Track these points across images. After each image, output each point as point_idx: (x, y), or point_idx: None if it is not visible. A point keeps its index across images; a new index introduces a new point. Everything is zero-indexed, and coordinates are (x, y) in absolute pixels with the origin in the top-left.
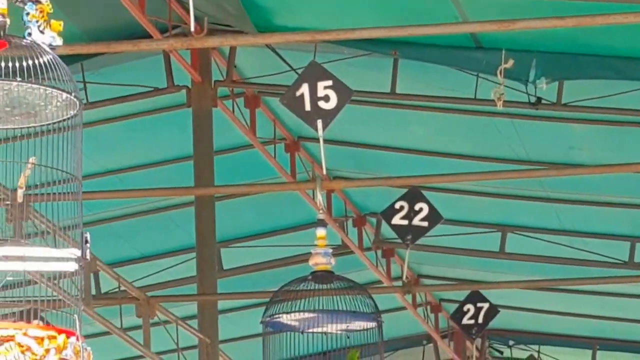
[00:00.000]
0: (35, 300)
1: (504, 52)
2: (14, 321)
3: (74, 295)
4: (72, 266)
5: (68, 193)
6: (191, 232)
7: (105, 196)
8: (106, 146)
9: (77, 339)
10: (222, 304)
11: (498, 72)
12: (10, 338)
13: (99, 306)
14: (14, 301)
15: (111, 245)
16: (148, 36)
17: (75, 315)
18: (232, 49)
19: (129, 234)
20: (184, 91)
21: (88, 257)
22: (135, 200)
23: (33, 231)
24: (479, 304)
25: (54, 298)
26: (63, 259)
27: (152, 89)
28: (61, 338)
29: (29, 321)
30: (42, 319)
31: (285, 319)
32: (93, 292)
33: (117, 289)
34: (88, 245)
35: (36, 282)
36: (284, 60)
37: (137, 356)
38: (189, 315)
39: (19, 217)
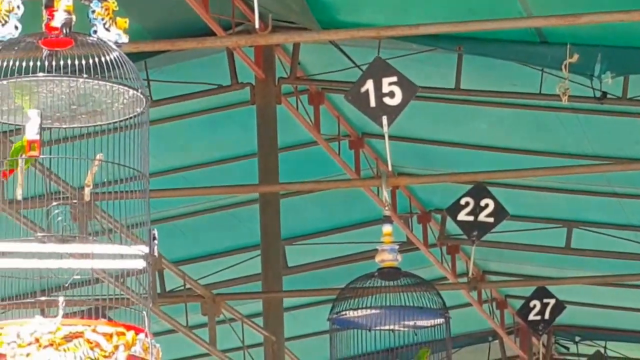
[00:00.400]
0: (103, 299)
1: (568, 46)
2: (82, 318)
3: (141, 293)
4: (140, 263)
5: (135, 191)
6: (256, 230)
7: (170, 194)
8: (171, 144)
9: (146, 336)
10: (287, 302)
11: (563, 66)
12: (79, 334)
13: (164, 304)
14: (81, 299)
15: (176, 243)
16: (211, 33)
17: (144, 312)
18: (296, 46)
19: (193, 231)
20: (247, 88)
21: (156, 253)
22: (200, 198)
23: (99, 229)
24: (545, 300)
25: (122, 296)
26: (131, 257)
27: (216, 86)
28: (130, 334)
29: (96, 319)
30: (108, 318)
31: (352, 316)
32: (158, 290)
33: (182, 287)
34: (156, 242)
35: (103, 280)
36: (348, 57)
37: (202, 354)
38: (254, 313)
39: (86, 216)
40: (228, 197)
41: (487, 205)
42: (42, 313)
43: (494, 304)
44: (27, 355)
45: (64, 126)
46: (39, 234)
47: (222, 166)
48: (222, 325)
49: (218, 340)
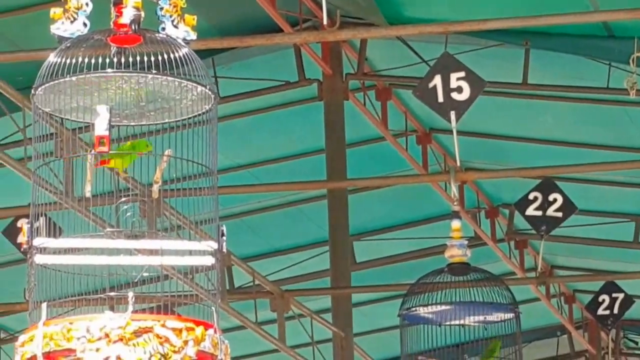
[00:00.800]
0: (172, 295)
1: (636, 40)
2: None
3: (210, 290)
4: (209, 260)
5: (203, 187)
6: (324, 226)
7: (237, 191)
8: (238, 141)
9: (215, 332)
10: (355, 297)
11: (630, 60)
12: (149, 329)
13: (233, 300)
14: (150, 295)
15: (245, 240)
16: (277, 30)
17: (213, 308)
18: (363, 42)
19: (262, 228)
20: (315, 85)
21: (225, 250)
22: (267, 195)
23: (167, 226)
24: (614, 295)
25: (191, 293)
26: (199, 253)
27: (283, 82)
28: (199, 330)
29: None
30: (177, 314)
31: (422, 311)
32: (227, 286)
33: (251, 283)
34: (224, 238)
35: (172, 277)
36: (415, 52)
37: (271, 350)
38: (323, 309)
39: (155, 212)
40: (296, 193)
41: (555, 200)
42: (112, 309)
43: (562, 298)
44: (97, 350)
45: (133, 123)
46: (108, 230)
47: (290, 162)
48: (290, 321)
49: (287, 336)
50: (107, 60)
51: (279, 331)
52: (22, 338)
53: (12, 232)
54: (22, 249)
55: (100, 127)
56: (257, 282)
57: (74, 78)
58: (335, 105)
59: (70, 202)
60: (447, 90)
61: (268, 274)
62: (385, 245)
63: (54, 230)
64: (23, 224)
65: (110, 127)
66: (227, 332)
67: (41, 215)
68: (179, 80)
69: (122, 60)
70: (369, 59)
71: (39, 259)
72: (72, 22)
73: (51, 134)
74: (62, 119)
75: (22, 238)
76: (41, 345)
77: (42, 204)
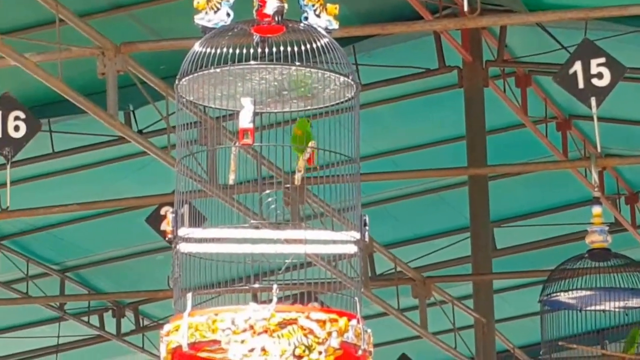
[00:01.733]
0: (315, 283)
1: None
2: (292, 304)
3: (353, 278)
4: (351, 249)
5: (346, 175)
6: (464, 212)
7: (379, 178)
8: (379, 128)
9: (358, 322)
10: (496, 284)
11: None
12: (293, 321)
13: (375, 287)
14: (293, 284)
15: (386, 227)
16: (417, 17)
17: (356, 298)
18: (503, 29)
19: (403, 215)
20: (455, 71)
21: (367, 239)
22: (408, 182)
23: (310, 214)
24: None
25: (333, 280)
26: (343, 242)
27: (423, 70)
28: (342, 321)
29: (307, 304)
30: (320, 302)
31: (562, 297)
32: (369, 273)
33: (392, 270)
34: (367, 227)
35: (315, 265)
36: (555, 39)
37: (413, 336)
38: (465, 295)
39: (298, 201)
40: (437, 180)
41: None
42: (254, 299)
43: None
44: (242, 342)
45: (276, 111)
46: (253, 220)
47: (431, 149)
48: (432, 307)
49: (428, 323)
50: (251, 50)
51: (421, 317)
52: (167, 327)
53: (155, 219)
54: (166, 238)
55: (245, 120)
56: (398, 269)
57: (218, 70)
58: (476, 92)
59: (215, 190)
60: (587, 76)
61: (409, 261)
62: (525, 232)
63: (197, 219)
64: (167, 212)
65: (255, 117)
66: (369, 320)
67: (185, 204)
68: (322, 71)
69: (266, 50)
70: (508, 46)
71: (184, 247)
72: (215, 12)
73: (195, 122)
74: (205, 107)
75: (166, 227)
76: (187, 336)
77: (186, 192)
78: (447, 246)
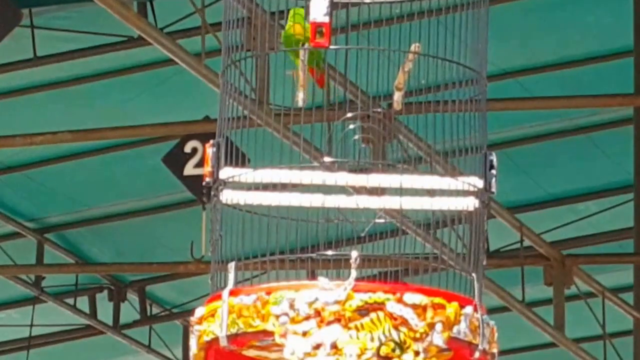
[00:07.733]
0: (414, 257)
1: None
2: (378, 281)
3: (466, 250)
4: (470, 203)
5: (466, 100)
6: (626, 165)
7: (505, 106)
8: (510, 40)
9: (476, 310)
10: None
11: None
12: (379, 306)
13: (489, 269)
14: (380, 256)
15: (508, 182)
16: None
17: (473, 274)
18: None
19: (532, 165)
20: None
21: (494, 189)
22: (542, 115)
23: (406, 157)
24: None
25: (436, 255)
26: (455, 194)
27: None
28: (452, 307)
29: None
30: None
31: None
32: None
33: (516, 245)
34: (494, 172)
35: (410, 231)
36: None
37: (544, 344)
38: (622, 286)
39: (385, 136)
40: (585, 113)
41: None
42: (326, 274)
43: None
44: (304, 334)
45: (367, 1)
46: (325, 159)
47: (577, 70)
48: (573, 302)
49: (567, 324)
50: None
51: (556, 316)
52: (199, 311)
53: (176, 159)
54: (203, 183)
55: (318, 11)
56: (525, 242)
57: None
58: None
59: (265, 116)
60: None
61: (542, 232)
62: None
63: (239, 158)
64: (207, 147)
65: (332, 10)
66: (492, 313)
67: (222, 137)
68: None
69: None
70: None
71: (229, 197)
72: None
73: (242, 19)
74: None
75: (206, 168)
76: (226, 325)
77: (233, 119)
78: (597, 212)
